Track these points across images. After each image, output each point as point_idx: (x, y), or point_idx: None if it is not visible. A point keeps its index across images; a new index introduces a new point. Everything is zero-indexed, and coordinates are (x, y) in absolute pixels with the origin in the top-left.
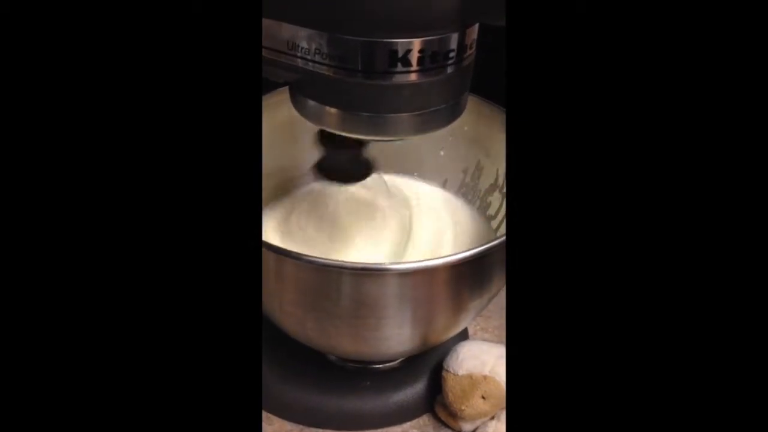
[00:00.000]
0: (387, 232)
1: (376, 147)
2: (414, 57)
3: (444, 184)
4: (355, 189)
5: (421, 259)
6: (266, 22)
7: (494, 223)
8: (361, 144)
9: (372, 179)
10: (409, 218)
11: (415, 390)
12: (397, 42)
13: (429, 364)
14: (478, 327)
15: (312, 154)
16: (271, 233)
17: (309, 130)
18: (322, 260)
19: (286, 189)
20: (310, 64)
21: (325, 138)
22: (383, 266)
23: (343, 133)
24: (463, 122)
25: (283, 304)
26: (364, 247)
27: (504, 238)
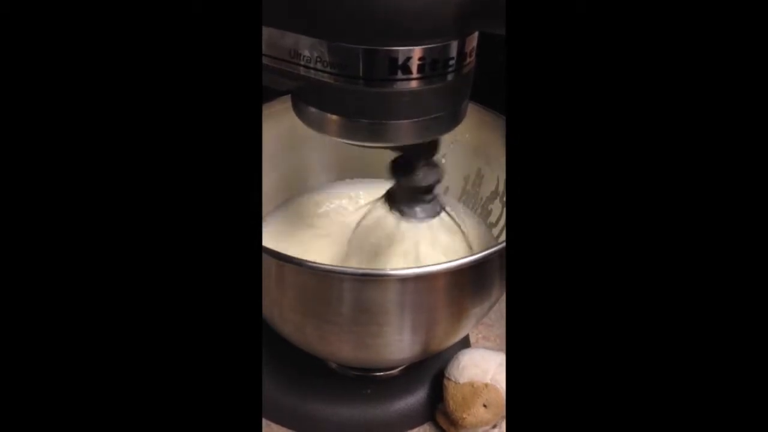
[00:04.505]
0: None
1: (377, 154)
2: (414, 64)
3: (445, 192)
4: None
5: (422, 265)
6: (268, 31)
7: (495, 231)
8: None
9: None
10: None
11: (416, 398)
12: (397, 50)
13: (430, 372)
14: (480, 335)
15: (313, 161)
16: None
17: (310, 138)
18: (323, 266)
19: (288, 197)
20: (312, 71)
21: (396, 167)
22: (383, 272)
23: (344, 140)
24: (465, 130)
25: (283, 311)
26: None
27: (503, 244)
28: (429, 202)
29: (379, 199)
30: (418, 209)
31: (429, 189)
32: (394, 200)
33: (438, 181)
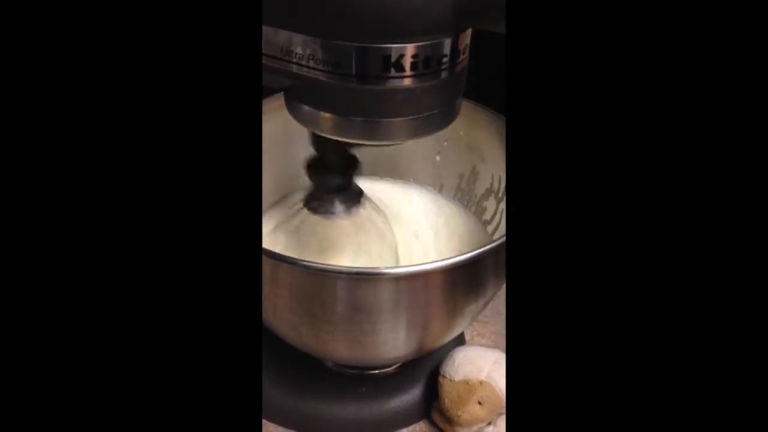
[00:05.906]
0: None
1: (371, 152)
2: (407, 62)
3: (440, 190)
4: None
5: (416, 263)
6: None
7: (490, 228)
8: (350, 171)
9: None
10: (391, 237)
11: (411, 396)
12: (390, 47)
13: (425, 369)
14: (475, 332)
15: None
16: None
17: (304, 136)
18: (317, 265)
19: (281, 195)
20: (305, 69)
21: (317, 142)
22: (378, 270)
23: (337, 138)
24: (459, 127)
25: (277, 310)
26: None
27: (498, 241)
28: (344, 190)
29: (297, 203)
30: (336, 202)
31: (344, 179)
32: (311, 200)
33: (353, 167)
